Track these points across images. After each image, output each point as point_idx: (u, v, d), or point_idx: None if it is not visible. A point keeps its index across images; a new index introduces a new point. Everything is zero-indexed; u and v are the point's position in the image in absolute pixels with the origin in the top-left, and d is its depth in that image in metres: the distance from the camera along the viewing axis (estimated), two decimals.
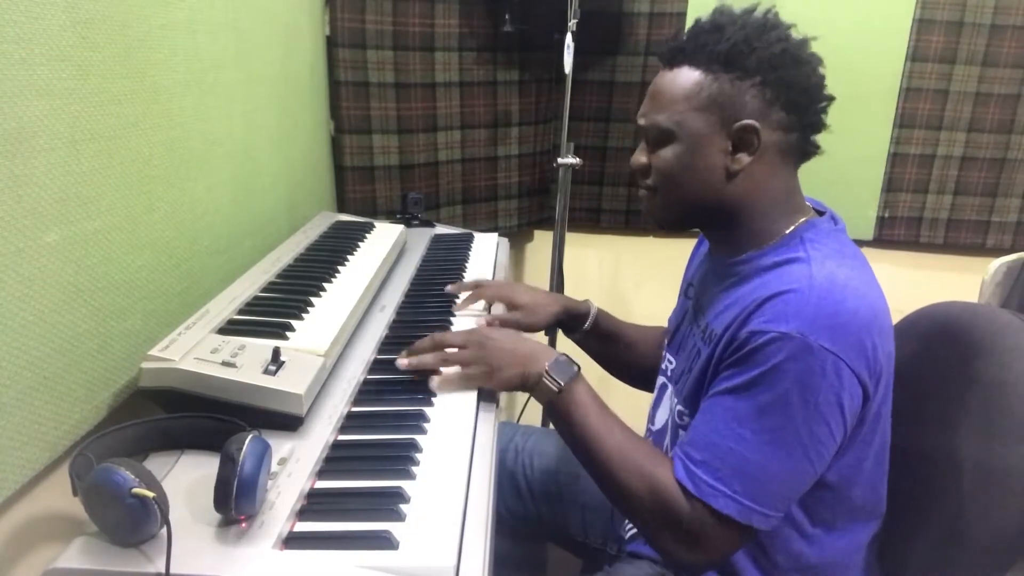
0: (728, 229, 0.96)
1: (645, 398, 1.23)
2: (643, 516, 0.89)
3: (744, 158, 0.90)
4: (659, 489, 0.87)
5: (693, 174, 0.93)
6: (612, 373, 1.36)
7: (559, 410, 0.96)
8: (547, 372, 0.95)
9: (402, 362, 1.00)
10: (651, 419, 1.14)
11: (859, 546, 0.98)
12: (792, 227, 0.93)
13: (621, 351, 1.32)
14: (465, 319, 1.20)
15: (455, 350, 1.00)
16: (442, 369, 0.99)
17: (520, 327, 1.21)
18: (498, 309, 1.24)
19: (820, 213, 0.98)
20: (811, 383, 0.80)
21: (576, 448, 0.96)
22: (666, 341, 1.16)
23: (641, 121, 0.97)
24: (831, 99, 0.94)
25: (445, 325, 1.17)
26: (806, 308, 0.81)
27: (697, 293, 1.07)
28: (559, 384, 0.94)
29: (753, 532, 0.86)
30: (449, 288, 1.27)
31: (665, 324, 1.23)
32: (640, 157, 0.98)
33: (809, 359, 0.80)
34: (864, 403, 0.85)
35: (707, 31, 0.91)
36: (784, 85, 0.89)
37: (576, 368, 0.97)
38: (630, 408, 1.27)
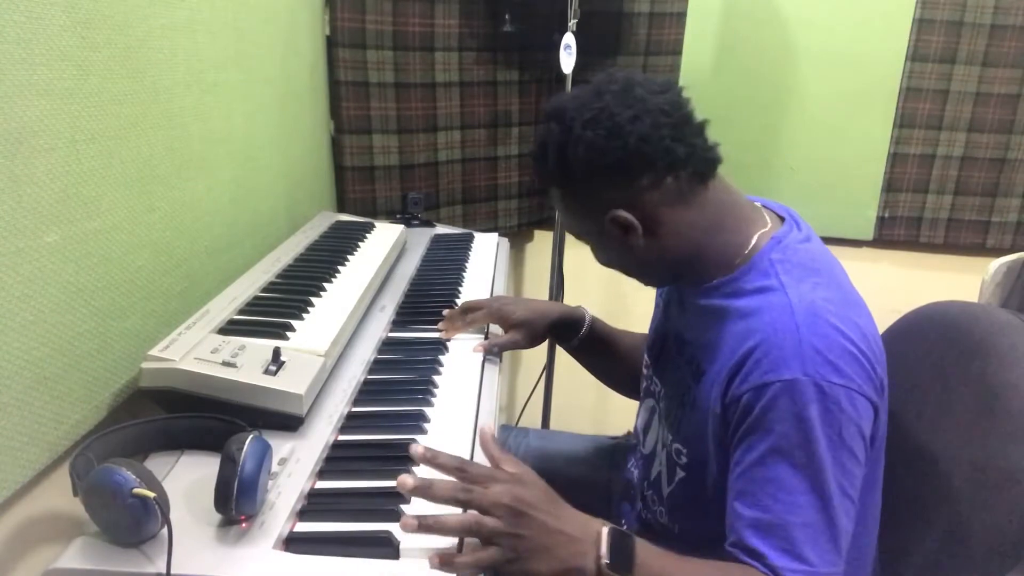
0: (692, 266, 0.92)
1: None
2: None
3: (636, 236, 0.88)
4: None
5: (622, 258, 0.95)
6: (605, 382, 1.31)
7: None
8: (606, 567, 0.72)
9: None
10: (640, 441, 1.09)
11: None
12: (753, 241, 0.89)
13: (615, 360, 1.25)
14: (461, 343, 1.15)
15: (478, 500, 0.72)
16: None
17: (519, 347, 1.18)
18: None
19: (781, 218, 0.94)
20: (832, 422, 0.77)
21: None
22: (648, 358, 1.11)
23: None
24: (686, 117, 0.87)
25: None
26: (801, 348, 0.78)
27: (674, 314, 1.04)
28: (630, 566, 0.73)
29: None
30: (443, 329, 1.17)
31: None
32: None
33: (823, 399, 0.77)
34: (874, 420, 0.82)
35: (538, 157, 0.92)
36: (622, 160, 0.85)
37: (632, 536, 0.76)
38: (629, 412, 1.27)
